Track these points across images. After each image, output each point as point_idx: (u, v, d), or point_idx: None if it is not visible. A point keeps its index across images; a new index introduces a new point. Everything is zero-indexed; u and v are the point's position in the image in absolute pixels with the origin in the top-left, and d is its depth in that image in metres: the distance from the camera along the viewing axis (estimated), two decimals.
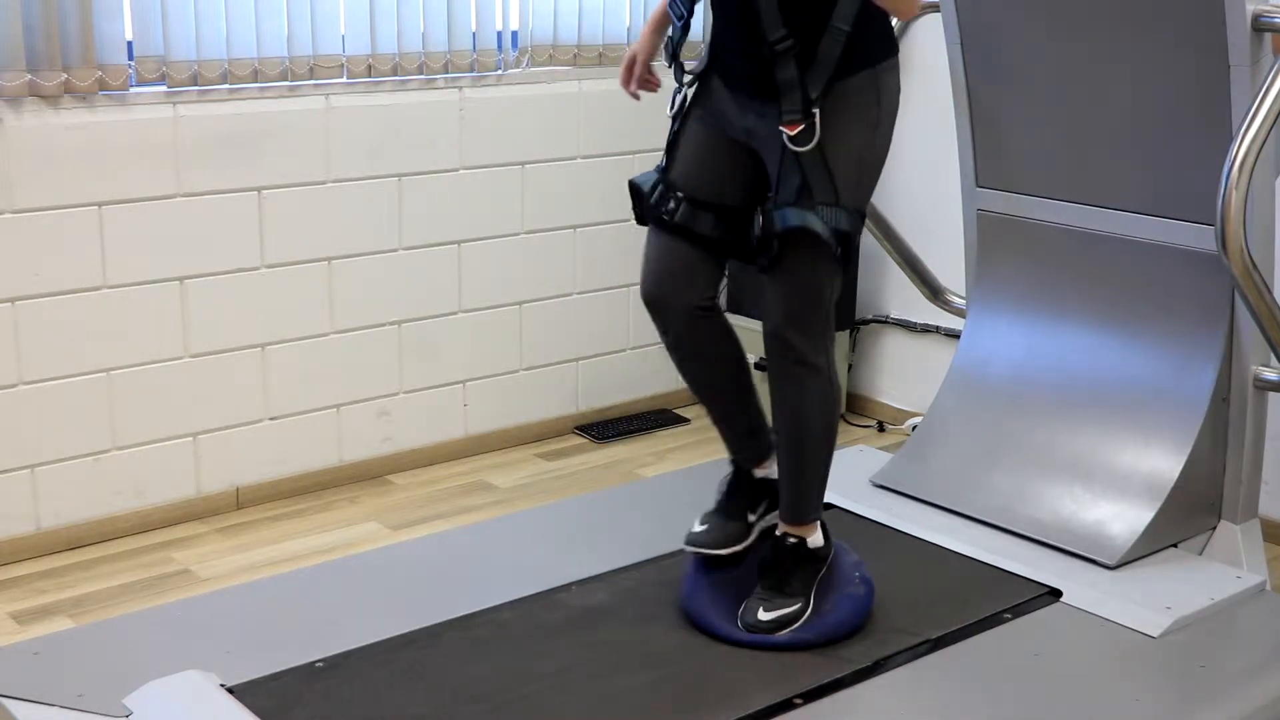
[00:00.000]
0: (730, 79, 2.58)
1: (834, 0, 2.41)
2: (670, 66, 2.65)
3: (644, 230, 2.71)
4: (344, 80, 3.83)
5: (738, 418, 2.79)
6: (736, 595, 2.69)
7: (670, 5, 2.64)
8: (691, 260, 2.63)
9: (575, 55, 4.24)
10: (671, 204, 2.61)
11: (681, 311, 2.65)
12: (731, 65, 2.57)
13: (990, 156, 3.29)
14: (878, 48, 2.50)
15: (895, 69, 2.54)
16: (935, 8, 3.27)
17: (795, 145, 2.44)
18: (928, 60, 4.06)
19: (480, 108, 4.09)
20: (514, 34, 4.18)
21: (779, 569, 2.66)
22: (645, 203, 2.65)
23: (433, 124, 4.01)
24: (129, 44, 3.49)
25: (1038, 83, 3.15)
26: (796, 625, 2.61)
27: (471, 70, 4.04)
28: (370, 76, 3.87)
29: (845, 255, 2.51)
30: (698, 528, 2.75)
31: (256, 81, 3.68)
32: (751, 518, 2.77)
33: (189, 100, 3.58)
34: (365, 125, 3.88)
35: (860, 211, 2.54)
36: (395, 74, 3.90)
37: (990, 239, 3.35)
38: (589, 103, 4.32)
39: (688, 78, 2.63)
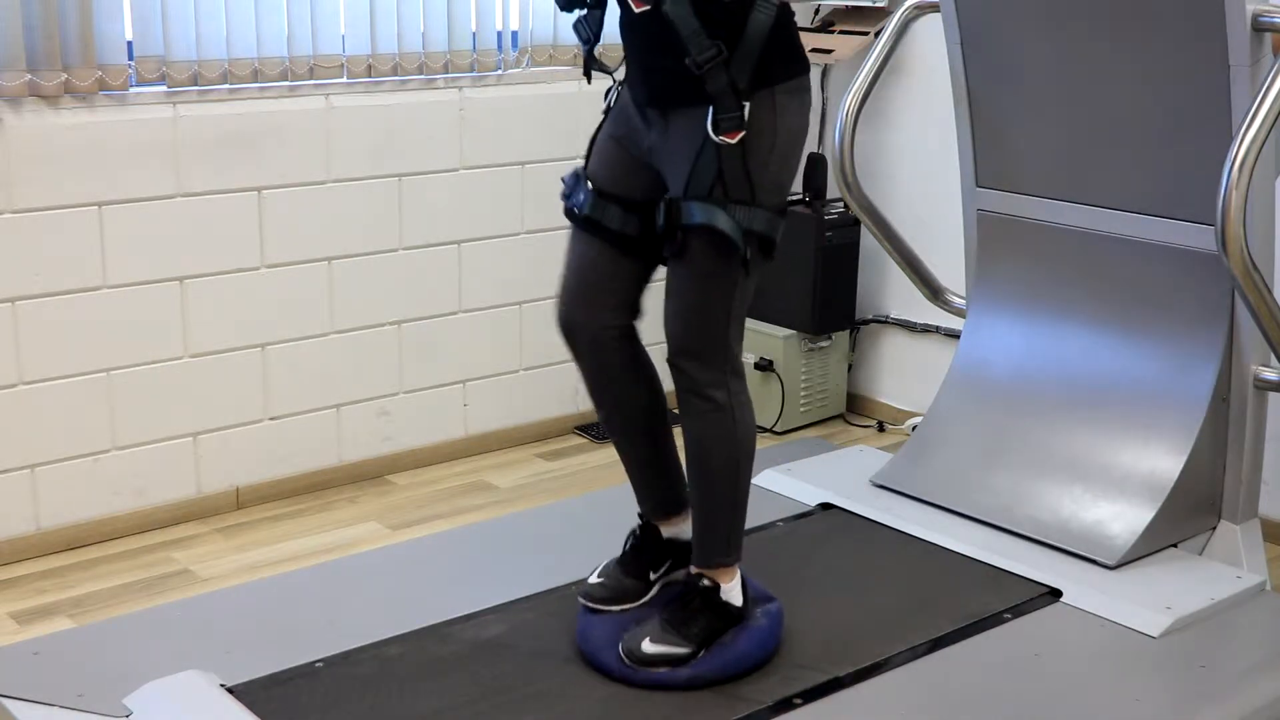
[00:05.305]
0: (636, 93, 2.49)
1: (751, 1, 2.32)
2: (586, 76, 2.58)
3: None
4: (344, 80, 3.83)
5: (649, 464, 2.65)
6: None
7: (575, 27, 2.56)
8: (607, 267, 2.52)
9: (575, 55, 4.24)
10: (582, 195, 2.52)
11: (596, 332, 2.53)
12: (638, 83, 2.49)
13: (990, 156, 3.29)
14: (779, 69, 2.38)
15: (800, 90, 2.42)
16: (935, 8, 3.28)
17: (720, 135, 2.31)
18: (928, 60, 4.06)
19: (480, 108, 4.09)
20: (514, 34, 4.18)
21: (685, 608, 2.50)
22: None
23: (433, 124, 4.01)
24: (129, 44, 3.49)
25: (1038, 83, 3.15)
26: (678, 668, 2.45)
27: (471, 70, 4.04)
28: (370, 76, 3.87)
29: (766, 255, 2.40)
30: (594, 579, 2.65)
31: (256, 81, 3.68)
32: (653, 576, 2.65)
33: (189, 100, 3.58)
34: (365, 125, 3.88)
35: (780, 212, 2.41)
36: (395, 74, 3.91)
37: (990, 239, 3.35)
38: (589, 103, 4.29)
39: (618, 74, 2.55)
